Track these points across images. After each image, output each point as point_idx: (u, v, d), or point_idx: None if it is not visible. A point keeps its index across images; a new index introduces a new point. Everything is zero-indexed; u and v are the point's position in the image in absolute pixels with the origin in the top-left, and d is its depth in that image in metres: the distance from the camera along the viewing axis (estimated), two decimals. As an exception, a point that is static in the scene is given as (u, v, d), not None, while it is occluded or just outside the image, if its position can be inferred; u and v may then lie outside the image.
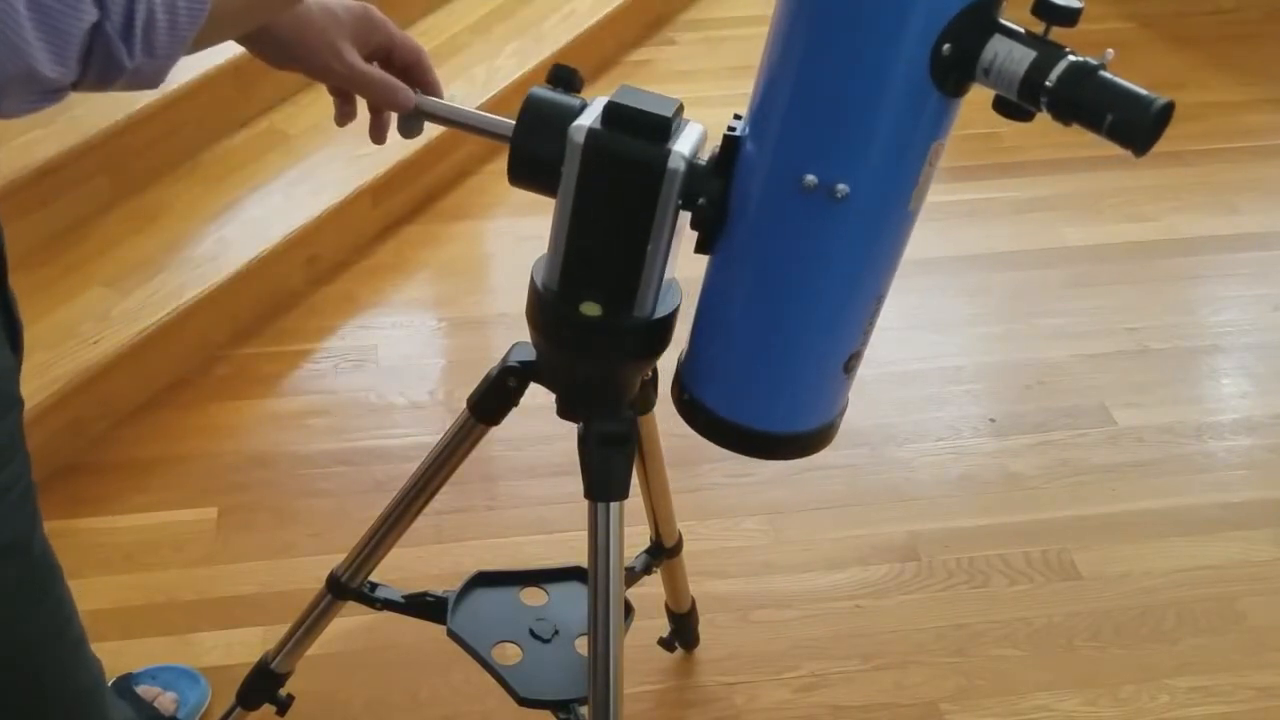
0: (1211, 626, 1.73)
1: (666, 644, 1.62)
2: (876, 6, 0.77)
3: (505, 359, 1.09)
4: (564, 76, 0.95)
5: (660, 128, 0.89)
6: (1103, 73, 0.74)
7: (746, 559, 1.81)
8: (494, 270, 2.40)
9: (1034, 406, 2.09)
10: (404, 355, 2.15)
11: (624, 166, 0.89)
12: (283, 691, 1.42)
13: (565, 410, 1.07)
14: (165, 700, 1.54)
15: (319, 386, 2.08)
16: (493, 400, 1.11)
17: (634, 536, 1.43)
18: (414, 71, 1.02)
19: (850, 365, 0.95)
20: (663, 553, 1.43)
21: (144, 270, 2.05)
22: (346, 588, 1.28)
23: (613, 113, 0.89)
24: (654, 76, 2.91)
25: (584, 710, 1.14)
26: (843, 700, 1.62)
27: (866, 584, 1.78)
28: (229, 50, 2.50)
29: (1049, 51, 0.75)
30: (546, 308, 0.98)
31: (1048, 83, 0.74)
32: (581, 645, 1.14)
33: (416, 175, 2.44)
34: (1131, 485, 1.94)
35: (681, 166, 0.88)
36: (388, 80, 0.99)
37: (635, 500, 1.38)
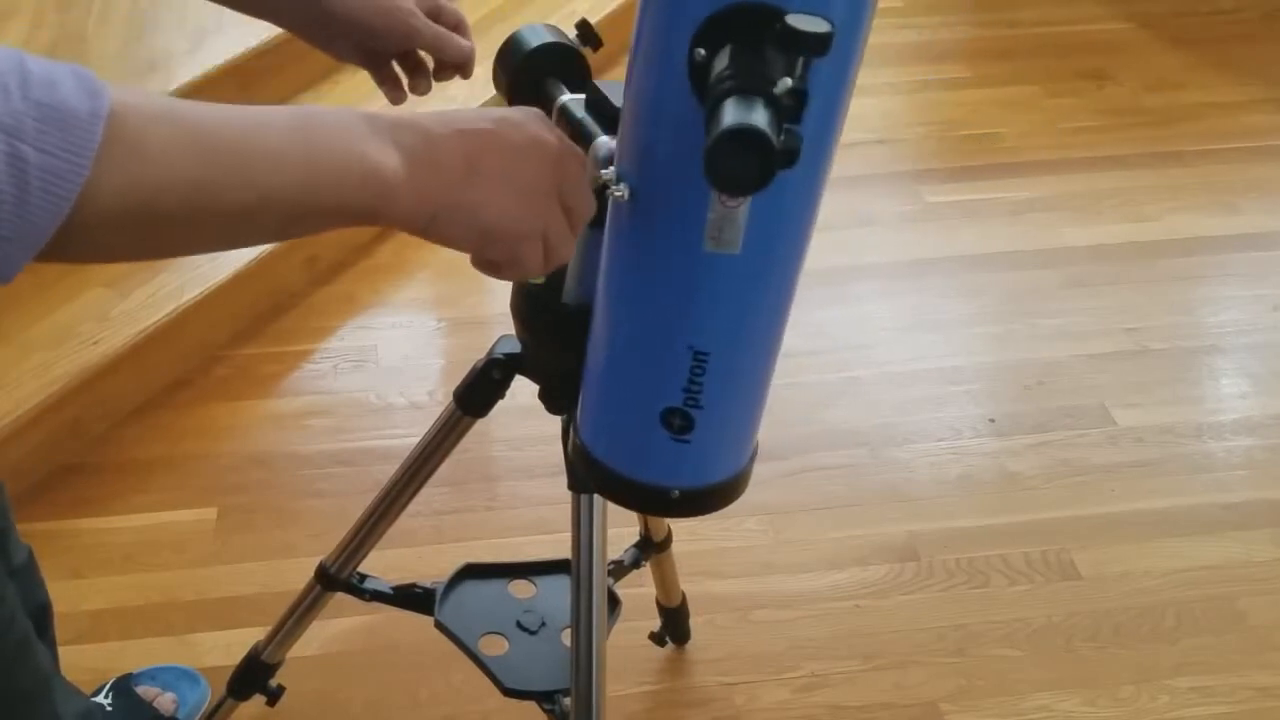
0: (1211, 626, 1.73)
1: (657, 638, 1.62)
2: None
3: (491, 351, 1.09)
4: (584, 30, 1.00)
5: (615, 117, 0.87)
6: (739, 95, 0.59)
7: (746, 559, 1.80)
8: (494, 270, 2.39)
9: (1034, 407, 2.09)
10: (404, 355, 2.15)
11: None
12: (274, 683, 1.42)
13: (546, 400, 1.07)
14: (165, 701, 1.54)
15: (319, 387, 2.08)
16: (478, 392, 1.11)
17: (632, 535, 1.44)
18: (458, 33, 1.07)
19: (672, 424, 0.85)
20: (651, 547, 1.43)
21: (144, 270, 2.05)
22: (335, 579, 1.29)
23: (590, 97, 0.92)
24: (654, 77, 2.91)
25: (568, 701, 1.14)
26: (843, 700, 1.62)
27: (866, 584, 1.78)
28: (228, 50, 2.48)
29: (744, 70, 0.62)
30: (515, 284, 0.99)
31: (710, 98, 0.61)
32: (568, 637, 1.14)
33: (416, 175, 2.43)
34: (1131, 485, 1.94)
35: (604, 154, 0.87)
36: (457, 37, 1.03)
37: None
